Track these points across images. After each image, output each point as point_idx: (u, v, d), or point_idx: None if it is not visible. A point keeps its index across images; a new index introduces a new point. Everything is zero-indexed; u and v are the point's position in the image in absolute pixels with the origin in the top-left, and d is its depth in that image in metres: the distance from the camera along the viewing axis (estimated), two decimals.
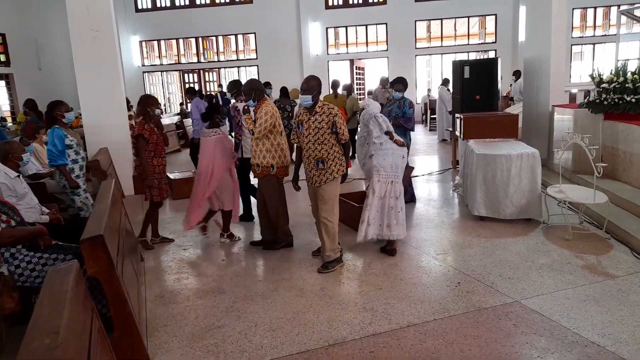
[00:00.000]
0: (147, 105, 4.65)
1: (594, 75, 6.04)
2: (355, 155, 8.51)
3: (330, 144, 3.89)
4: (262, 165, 4.34)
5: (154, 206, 4.80)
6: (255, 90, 4.33)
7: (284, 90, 8.87)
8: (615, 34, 8.76)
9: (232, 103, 5.37)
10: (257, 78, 5.31)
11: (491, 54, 16.28)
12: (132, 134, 4.60)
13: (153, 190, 4.66)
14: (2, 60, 14.64)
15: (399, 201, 4.26)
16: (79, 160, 4.62)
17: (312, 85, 3.87)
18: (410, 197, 5.98)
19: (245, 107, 4.36)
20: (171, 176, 7.27)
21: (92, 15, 6.77)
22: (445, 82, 11.46)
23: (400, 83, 5.79)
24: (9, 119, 14.60)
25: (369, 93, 10.67)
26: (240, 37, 17.53)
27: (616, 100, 5.62)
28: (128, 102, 11.07)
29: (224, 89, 15.05)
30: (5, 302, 2.65)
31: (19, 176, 4.04)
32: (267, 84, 12.02)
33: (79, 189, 4.72)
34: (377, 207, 4.23)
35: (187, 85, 17.13)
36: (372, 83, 16.96)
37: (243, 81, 5.32)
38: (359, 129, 4.88)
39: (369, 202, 4.24)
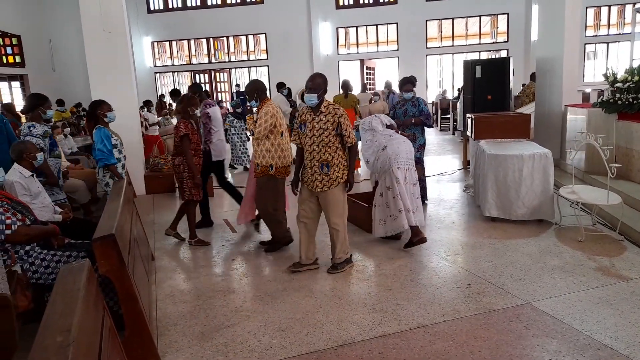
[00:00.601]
0: (189, 105, 4.70)
1: (608, 75, 5.96)
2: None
3: (334, 146, 3.74)
4: (262, 165, 4.32)
5: (190, 204, 4.80)
6: (258, 91, 4.33)
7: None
8: (630, 33, 8.64)
9: (202, 107, 5.31)
10: (257, 79, 5.30)
11: (503, 54, 16.16)
12: (176, 133, 4.63)
13: (195, 189, 4.69)
14: (17, 61, 14.86)
15: (417, 187, 4.42)
16: (122, 159, 4.68)
17: (317, 83, 3.69)
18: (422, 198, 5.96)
19: (249, 107, 4.38)
20: None
21: (105, 17, 6.85)
22: None
23: (408, 83, 5.78)
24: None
25: (375, 94, 10.49)
26: (250, 37, 17.61)
27: (630, 99, 5.54)
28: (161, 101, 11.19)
29: (241, 89, 15.07)
30: (19, 300, 2.69)
31: (33, 175, 4.10)
32: (282, 85, 12.06)
33: None
34: (407, 193, 4.29)
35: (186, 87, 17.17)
36: (382, 83, 16.92)
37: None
38: (361, 133, 4.84)
39: (399, 191, 4.25)
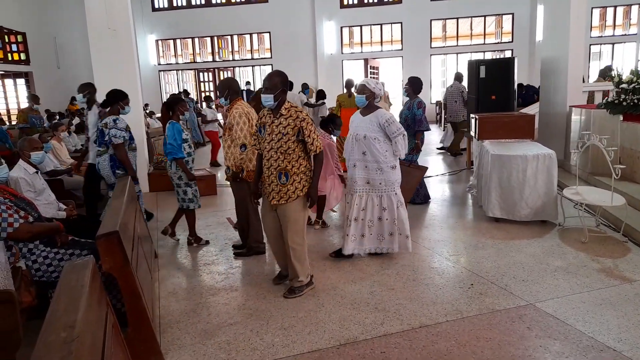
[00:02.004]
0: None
1: (613, 75, 5.93)
2: None
3: (295, 154, 3.34)
4: (232, 168, 4.19)
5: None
6: (230, 89, 4.21)
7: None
8: (636, 34, 8.60)
9: (94, 109, 5.30)
10: (232, 77, 5.26)
11: (507, 54, 16.11)
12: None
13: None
14: (22, 58, 14.93)
15: (389, 213, 4.11)
16: (192, 154, 4.72)
17: (274, 82, 3.31)
18: (423, 198, 5.96)
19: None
20: None
21: (110, 15, 6.87)
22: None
23: (407, 84, 5.78)
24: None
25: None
26: (255, 36, 17.62)
27: (635, 101, 5.51)
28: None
29: (252, 87, 15.01)
30: (23, 297, 2.70)
31: (37, 172, 4.12)
32: (305, 86, 12.04)
33: (194, 180, 4.72)
34: (365, 220, 4.08)
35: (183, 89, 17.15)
36: (386, 83, 16.88)
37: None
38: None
39: (405, 214, 4.11)
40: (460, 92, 9.50)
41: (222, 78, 17.89)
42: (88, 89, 5.48)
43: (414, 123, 5.61)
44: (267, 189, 3.47)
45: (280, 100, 3.35)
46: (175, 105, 4.60)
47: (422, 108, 5.62)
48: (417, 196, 5.86)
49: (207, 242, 4.85)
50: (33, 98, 8.19)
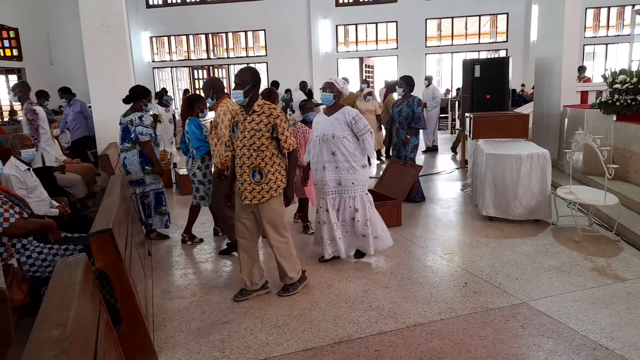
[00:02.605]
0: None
1: (607, 76, 5.97)
2: None
3: (269, 152, 3.25)
4: (218, 166, 4.23)
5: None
6: (214, 88, 4.23)
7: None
8: (630, 34, 8.66)
9: (27, 106, 5.25)
10: (215, 77, 5.26)
11: (502, 53, 16.17)
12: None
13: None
14: (14, 54, 14.79)
15: (361, 214, 4.02)
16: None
17: (244, 78, 3.22)
18: (420, 197, 5.97)
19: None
20: (180, 172, 7.33)
21: (104, 11, 6.81)
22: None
23: (402, 80, 5.85)
24: (20, 113, 14.74)
25: (369, 94, 10.20)
26: (250, 33, 17.57)
27: (629, 101, 5.55)
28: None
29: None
30: (15, 294, 2.67)
31: (29, 169, 4.08)
32: (304, 84, 11.97)
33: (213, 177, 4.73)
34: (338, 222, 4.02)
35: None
36: (381, 82, 16.90)
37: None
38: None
39: (376, 214, 4.06)
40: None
41: (217, 76, 17.84)
42: (19, 87, 5.65)
43: (413, 120, 5.67)
44: (239, 188, 3.32)
45: (252, 96, 3.25)
46: (195, 102, 4.68)
47: (421, 106, 5.73)
48: (416, 194, 5.89)
49: (201, 240, 4.83)
50: (42, 94, 8.11)
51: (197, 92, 17.38)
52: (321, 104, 4.07)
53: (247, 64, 17.79)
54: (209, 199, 4.67)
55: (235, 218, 3.47)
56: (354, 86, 12.87)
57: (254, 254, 3.49)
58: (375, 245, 4.01)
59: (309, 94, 10.87)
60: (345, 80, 4.16)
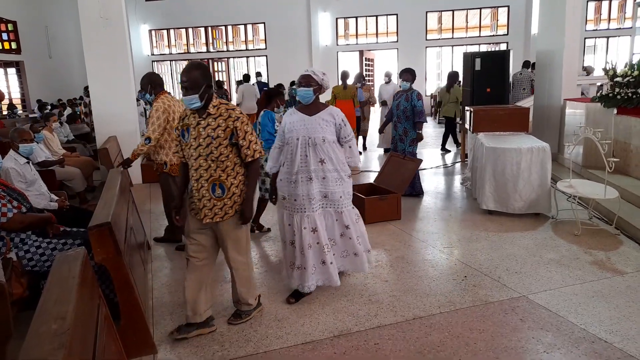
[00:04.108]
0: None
1: (608, 69, 5.94)
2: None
3: (230, 162, 2.76)
4: (157, 162, 4.22)
5: None
6: (152, 83, 4.19)
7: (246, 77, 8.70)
8: (631, 27, 8.61)
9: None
10: (154, 72, 5.24)
11: (503, 47, 16.10)
12: None
13: None
14: (13, 47, 14.73)
15: (348, 234, 3.42)
16: None
17: (194, 77, 2.67)
18: (418, 190, 5.97)
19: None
20: None
21: (103, 3, 6.77)
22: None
23: (407, 73, 5.76)
24: (20, 107, 14.72)
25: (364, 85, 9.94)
26: (249, 26, 17.48)
27: (630, 94, 5.53)
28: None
29: (263, 79, 14.60)
30: (14, 288, 2.68)
31: (28, 163, 4.07)
32: (258, 74, 11.84)
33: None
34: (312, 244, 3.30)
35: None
36: (381, 75, 16.84)
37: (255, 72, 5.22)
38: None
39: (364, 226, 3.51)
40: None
41: (216, 69, 17.78)
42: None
43: (413, 115, 5.64)
44: (196, 205, 2.80)
45: (207, 97, 2.73)
46: (275, 96, 4.70)
47: (421, 100, 5.69)
48: (413, 188, 5.88)
49: (269, 230, 4.88)
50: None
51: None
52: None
53: (247, 57, 17.77)
54: None
55: (186, 234, 2.94)
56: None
57: (205, 278, 2.93)
58: (369, 260, 3.51)
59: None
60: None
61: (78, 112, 10.75)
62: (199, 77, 2.68)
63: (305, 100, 3.22)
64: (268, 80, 16.02)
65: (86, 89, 10.21)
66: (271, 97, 4.70)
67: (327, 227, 3.29)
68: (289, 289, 3.43)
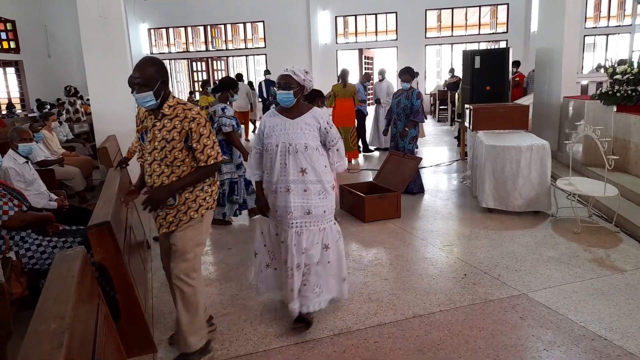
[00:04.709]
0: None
1: (607, 67, 5.94)
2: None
3: (186, 167, 2.50)
4: None
5: None
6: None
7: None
8: (631, 25, 8.60)
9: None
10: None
11: (502, 44, 16.08)
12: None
13: None
14: (11, 47, 14.70)
15: (327, 256, 2.96)
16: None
17: (148, 74, 2.40)
18: (418, 188, 5.97)
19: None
20: None
21: (102, 2, 6.76)
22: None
23: (407, 73, 5.78)
24: (18, 106, 14.70)
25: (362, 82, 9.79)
26: (248, 25, 17.45)
27: (629, 92, 5.53)
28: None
29: (272, 77, 14.45)
30: (13, 287, 2.68)
31: (27, 162, 4.07)
32: (267, 72, 11.76)
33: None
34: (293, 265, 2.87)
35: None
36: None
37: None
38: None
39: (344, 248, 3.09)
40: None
41: (215, 68, 17.75)
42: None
43: (412, 113, 5.67)
44: (154, 213, 2.57)
45: (163, 96, 2.45)
46: (317, 97, 4.71)
47: (421, 99, 5.71)
48: (414, 185, 5.89)
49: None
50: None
51: (199, 83, 17.31)
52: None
53: (246, 56, 17.74)
54: None
55: (162, 250, 2.77)
56: (354, 78, 12.76)
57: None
58: (343, 291, 3.03)
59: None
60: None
61: (67, 115, 9.91)
62: (153, 73, 2.41)
63: (285, 104, 2.84)
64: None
65: (66, 88, 10.05)
66: (314, 97, 4.62)
67: (307, 247, 2.83)
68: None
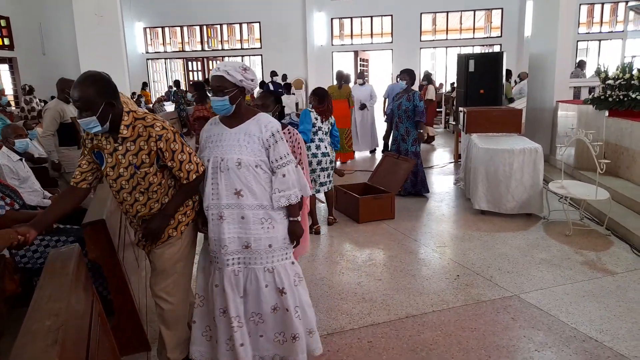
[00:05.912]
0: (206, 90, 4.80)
1: (600, 72, 6.00)
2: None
3: (164, 188, 2.25)
4: None
5: None
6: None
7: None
8: (623, 31, 8.70)
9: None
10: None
11: (496, 49, 16.19)
12: (192, 117, 4.72)
13: None
14: (5, 44, 14.61)
15: (288, 298, 2.37)
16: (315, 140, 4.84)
17: (87, 97, 2.03)
18: (419, 189, 6.00)
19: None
20: None
21: (97, 1, 6.74)
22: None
23: (405, 73, 5.86)
24: (13, 103, 14.59)
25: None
26: (244, 25, 17.45)
27: (621, 97, 5.59)
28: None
29: (280, 79, 14.33)
30: (6, 284, 2.66)
31: (21, 159, 4.05)
32: (273, 73, 11.78)
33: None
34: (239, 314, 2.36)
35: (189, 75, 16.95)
36: (377, 75, 16.86)
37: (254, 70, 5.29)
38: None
39: (306, 294, 2.50)
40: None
41: (211, 67, 17.72)
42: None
43: (414, 114, 5.71)
44: (136, 233, 2.40)
45: (113, 117, 2.10)
46: (326, 98, 4.70)
47: (423, 100, 5.79)
48: (422, 186, 5.93)
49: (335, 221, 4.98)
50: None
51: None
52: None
53: (242, 56, 17.73)
54: (331, 184, 4.78)
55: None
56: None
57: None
58: (311, 347, 2.42)
59: (288, 86, 10.70)
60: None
61: (22, 114, 9.18)
62: (93, 95, 2.03)
63: (222, 113, 2.31)
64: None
65: (23, 88, 9.70)
66: (324, 97, 4.66)
67: (250, 293, 2.32)
68: None
